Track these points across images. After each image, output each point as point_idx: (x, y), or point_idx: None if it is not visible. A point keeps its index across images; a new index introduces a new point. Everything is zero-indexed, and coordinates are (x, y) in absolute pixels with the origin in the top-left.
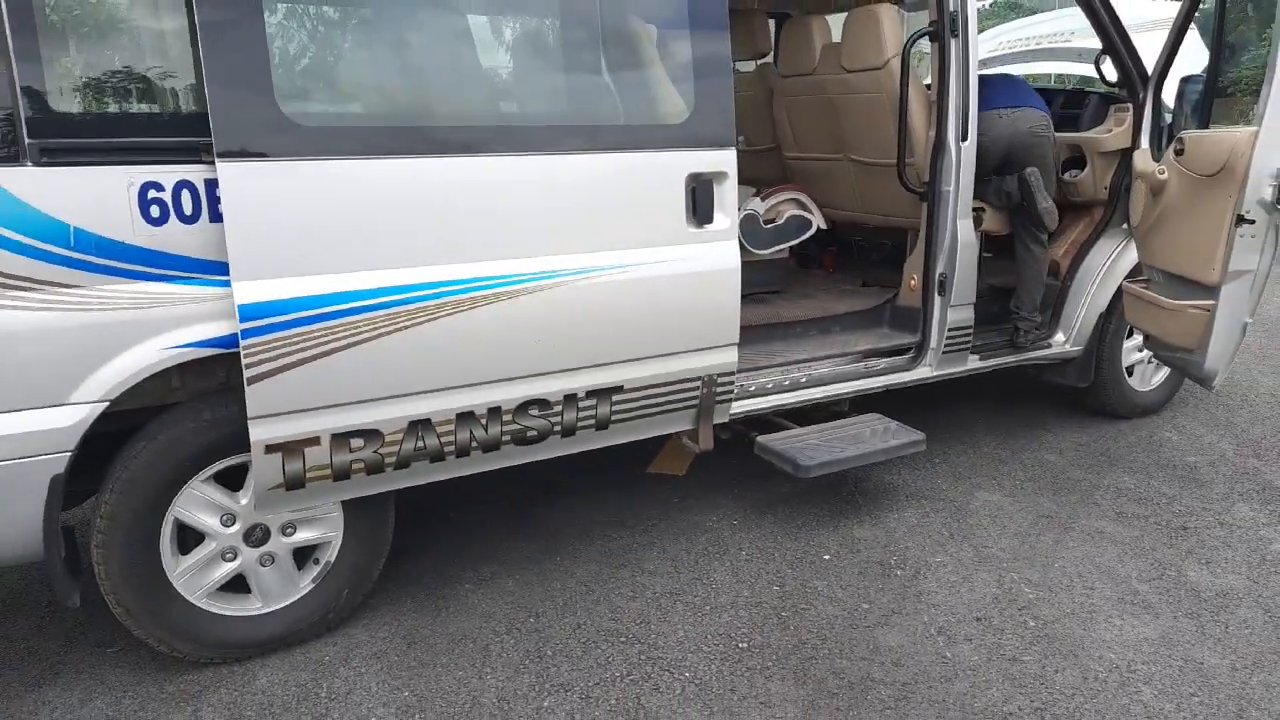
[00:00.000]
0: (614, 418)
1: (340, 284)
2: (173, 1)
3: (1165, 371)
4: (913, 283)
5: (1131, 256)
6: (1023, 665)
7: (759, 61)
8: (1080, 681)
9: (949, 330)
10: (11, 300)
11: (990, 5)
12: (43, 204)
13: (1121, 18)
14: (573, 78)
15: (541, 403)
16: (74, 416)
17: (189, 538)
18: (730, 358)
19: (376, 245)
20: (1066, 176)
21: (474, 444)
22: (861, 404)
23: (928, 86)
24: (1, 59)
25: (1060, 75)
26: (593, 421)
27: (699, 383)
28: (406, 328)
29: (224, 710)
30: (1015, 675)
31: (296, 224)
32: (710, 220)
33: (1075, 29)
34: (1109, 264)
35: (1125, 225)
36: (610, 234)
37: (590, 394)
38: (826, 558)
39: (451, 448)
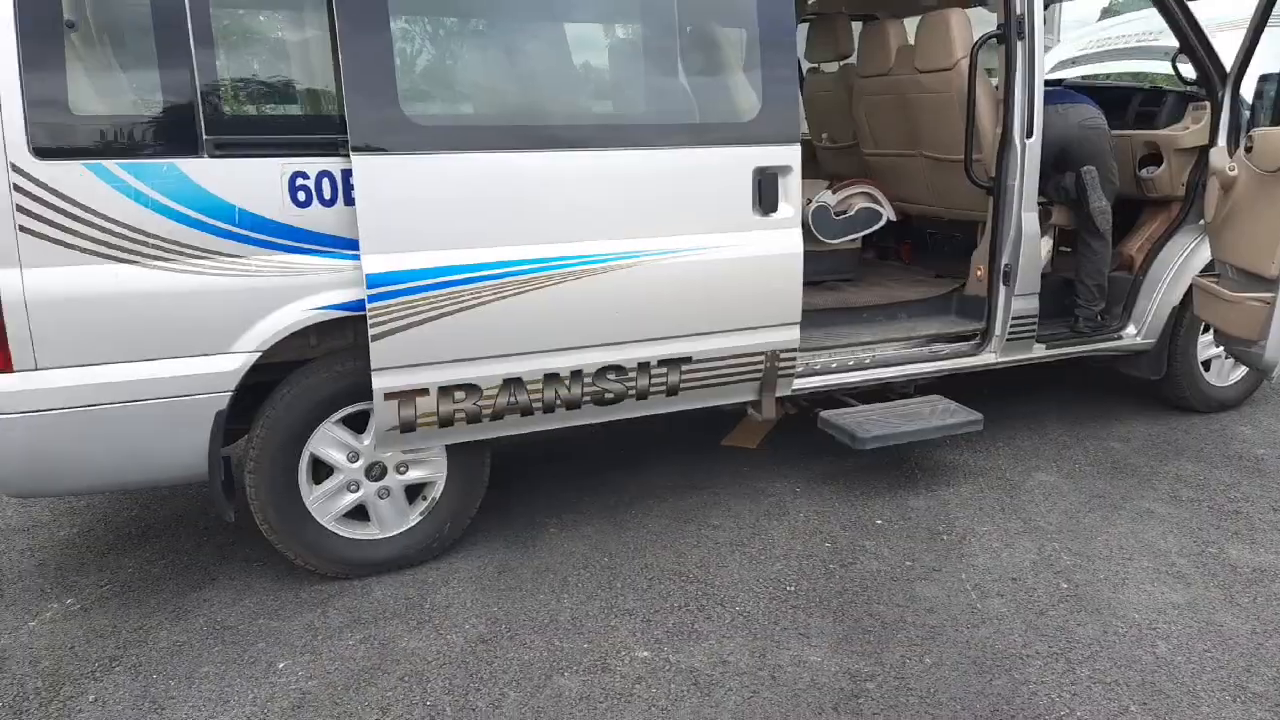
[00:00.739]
0: (683, 385)
1: (450, 259)
2: (318, 22)
3: (1245, 368)
4: (979, 273)
5: (1205, 253)
6: (1047, 618)
7: (842, 63)
8: (1099, 634)
9: (1013, 318)
10: (191, 267)
11: (1110, 3)
12: (215, 189)
13: (1205, 16)
14: (653, 81)
15: (618, 369)
16: (234, 363)
17: (321, 470)
18: (792, 335)
19: (481, 226)
20: (1143, 173)
21: (558, 402)
22: (932, 389)
23: (996, 86)
24: (186, 70)
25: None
26: (664, 388)
27: (762, 357)
28: (504, 298)
29: (346, 613)
30: (1039, 626)
31: (415, 207)
32: (775, 209)
33: (1164, 28)
34: (1183, 259)
35: (1201, 222)
36: (684, 220)
37: (662, 363)
38: (879, 523)
39: (539, 404)
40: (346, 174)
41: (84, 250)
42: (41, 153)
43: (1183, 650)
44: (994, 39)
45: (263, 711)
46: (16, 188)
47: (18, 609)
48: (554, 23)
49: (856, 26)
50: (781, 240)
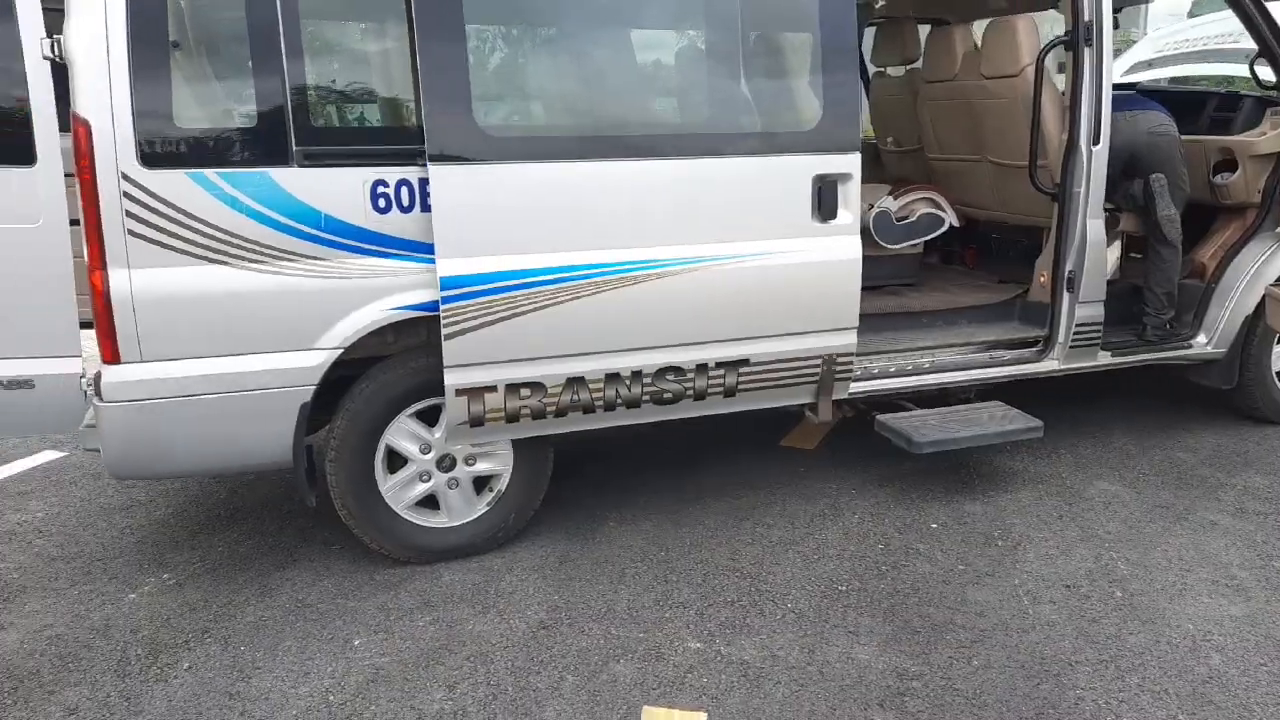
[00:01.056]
0: (740, 387)
1: (519, 263)
2: (398, 36)
3: None
4: (1042, 279)
5: None
6: (1100, 626)
7: (909, 67)
8: (1151, 644)
9: (1077, 325)
10: (279, 268)
11: (1193, 5)
12: (303, 196)
13: None
14: (716, 90)
15: (677, 370)
16: (318, 359)
17: (396, 461)
18: (849, 340)
19: (548, 232)
20: (1217, 180)
21: (619, 400)
22: (993, 396)
23: (1064, 92)
24: (279, 86)
25: None
26: (721, 389)
27: (820, 361)
28: (569, 301)
29: (418, 595)
30: (1090, 633)
31: (486, 214)
32: (834, 216)
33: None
34: (1257, 268)
35: (1278, 230)
36: (744, 227)
37: (720, 365)
38: (934, 526)
39: (600, 402)
40: (423, 182)
41: (183, 252)
42: (148, 162)
43: (1237, 663)
44: (1061, 45)
45: (340, 684)
46: (126, 194)
47: (119, 582)
48: (619, 35)
49: (924, 32)
50: (840, 246)
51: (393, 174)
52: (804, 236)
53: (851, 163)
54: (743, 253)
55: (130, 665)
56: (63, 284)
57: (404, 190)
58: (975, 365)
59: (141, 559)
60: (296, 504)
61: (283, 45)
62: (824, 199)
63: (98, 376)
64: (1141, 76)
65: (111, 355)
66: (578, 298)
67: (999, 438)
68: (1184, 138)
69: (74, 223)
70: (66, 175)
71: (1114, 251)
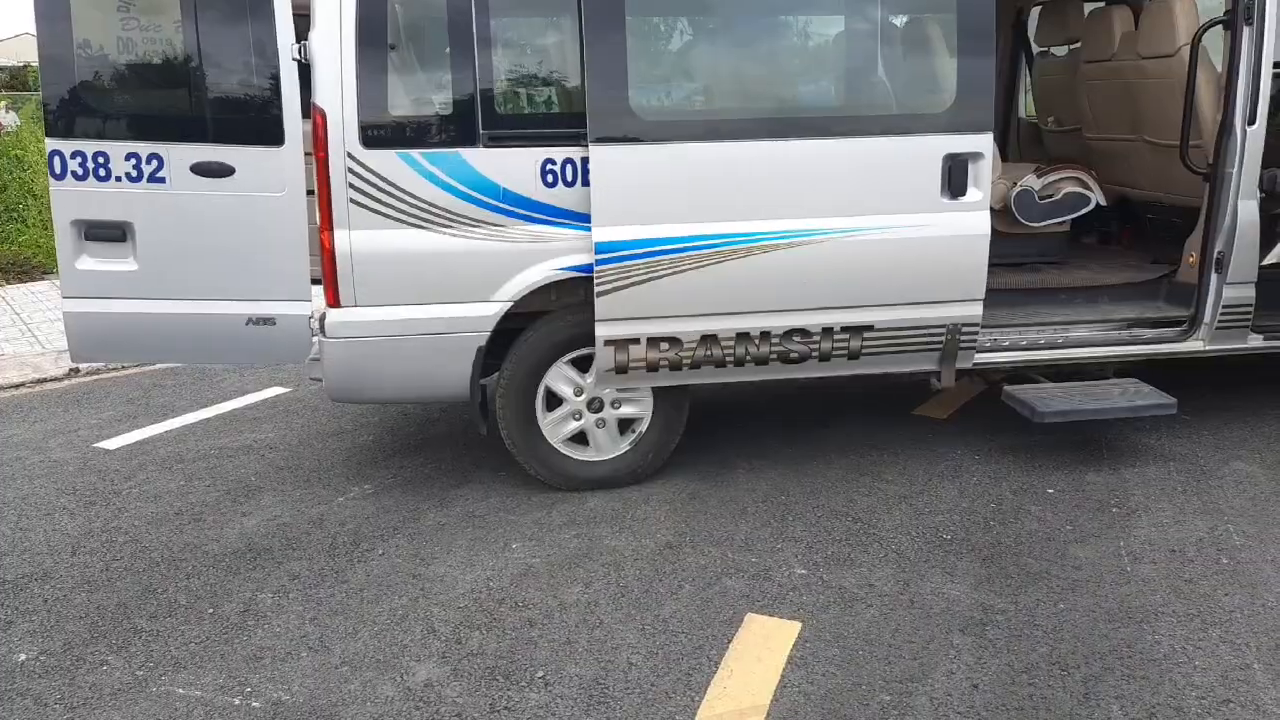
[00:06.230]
0: (864, 350)
1: (664, 232)
2: (567, 42)
3: None
4: (1191, 259)
5: None
6: (1195, 586)
7: (1071, 47)
8: (1245, 603)
9: (1224, 307)
10: (465, 233)
11: None
12: (488, 172)
13: None
14: (851, 74)
15: (803, 331)
16: (493, 310)
17: (553, 401)
18: (974, 311)
19: (690, 204)
20: None
21: (748, 357)
22: (1142, 376)
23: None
24: (470, 81)
25: None
26: (845, 351)
27: (944, 330)
28: (706, 266)
29: (565, 515)
30: (1183, 590)
31: (637, 188)
32: (963, 193)
33: None
34: None
35: None
36: (872, 201)
37: (845, 329)
38: (1050, 492)
39: (731, 358)
40: (584, 161)
41: (391, 218)
42: (368, 143)
43: None
44: (1220, 25)
45: (499, 574)
46: (350, 170)
47: (330, 489)
48: (758, 25)
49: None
50: (968, 222)
51: (559, 153)
52: (932, 212)
53: (983, 142)
54: (870, 226)
55: (338, 548)
56: (300, 242)
57: (568, 167)
58: (1111, 342)
59: (348, 473)
60: (470, 438)
61: (475, 48)
62: (954, 177)
63: (323, 317)
64: None
65: (334, 300)
66: (714, 263)
67: (1128, 412)
68: None
69: (309, 193)
70: (305, 154)
71: None
